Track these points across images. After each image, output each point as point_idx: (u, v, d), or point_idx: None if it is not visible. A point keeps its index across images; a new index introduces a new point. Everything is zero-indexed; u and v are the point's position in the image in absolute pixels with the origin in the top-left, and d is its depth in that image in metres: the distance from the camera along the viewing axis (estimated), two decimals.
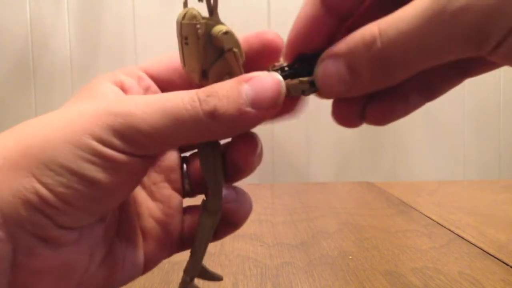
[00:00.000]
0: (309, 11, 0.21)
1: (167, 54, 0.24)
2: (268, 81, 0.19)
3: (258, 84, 0.19)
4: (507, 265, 0.38)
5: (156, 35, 0.87)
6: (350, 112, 0.21)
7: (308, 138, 0.87)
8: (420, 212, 0.56)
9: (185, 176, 0.25)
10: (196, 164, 0.24)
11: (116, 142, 0.18)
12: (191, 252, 0.23)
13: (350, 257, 0.40)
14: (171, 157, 0.24)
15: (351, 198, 0.66)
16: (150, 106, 0.18)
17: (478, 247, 0.42)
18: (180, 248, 0.24)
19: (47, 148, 0.18)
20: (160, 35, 0.87)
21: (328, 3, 0.20)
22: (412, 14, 0.17)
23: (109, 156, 0.18)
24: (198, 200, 0.24)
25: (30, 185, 0.17)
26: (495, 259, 0.39)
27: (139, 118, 0.18)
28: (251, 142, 0.22)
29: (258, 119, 0.19)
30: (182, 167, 0.25)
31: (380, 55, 0.18)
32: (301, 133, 0.87)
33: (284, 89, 0.20)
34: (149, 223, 0.23)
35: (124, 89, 0.22)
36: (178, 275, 0.37)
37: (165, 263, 0.39)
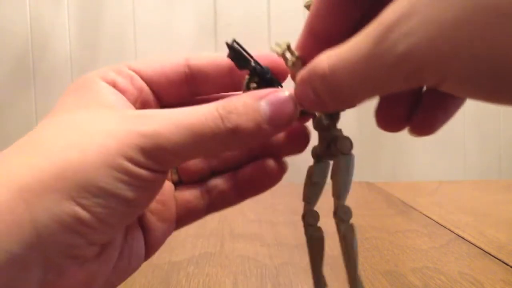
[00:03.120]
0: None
1: (157, 57, 0.24)
2: (282, 98, 0.20)
3: (274, 101, 0.20)
4: (507, 265, 0.38)
5: (156, 35, 0.87)
6: (393, 117, 0.22)
7: None
8: (420, 212, 0.56)
9: (175, 173, 0.25)
10: None
11: (145, 161, 0.19)
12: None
13: None
14: None
15: (351, 198, 0.65)
16: (175, 125, 0.19)
17: (478, 247, 0.42)
18: (176, 227, 0.25)
19: (84, 171, 0.18)
20: (160, 35, 0.87)
21: None
22: (354, 53, 0.17)
23: (139, 175, 0.19)
24: None
25: (69, 209, 0.18)
26: (495, 259, 0.39)
27: (165, 138, 0.19)
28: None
29: (274, 134, 0.21)
30: None
31: (331, 85, 0.19)
32: None
33: (297, 106, 0.21)
34: (145, 213, 0.24)
35: (118, 90, 0.23)
36: (178, 275, 0.37)
37: (165, 263, 0.39)
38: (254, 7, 0.87)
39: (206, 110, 0.20)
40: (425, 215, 0.55)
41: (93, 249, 0.19)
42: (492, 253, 0.40)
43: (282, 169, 0.25)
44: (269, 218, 0.55)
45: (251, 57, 0.22)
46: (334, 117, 0.23)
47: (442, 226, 0.50)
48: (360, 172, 0.88)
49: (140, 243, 0.23)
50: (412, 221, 0.53)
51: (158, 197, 0.23)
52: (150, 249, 0.24)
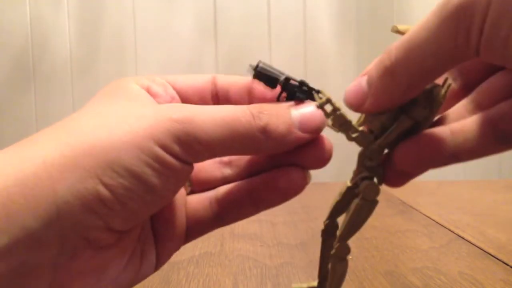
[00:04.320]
0: None
1: (193, 74, 0.25)
2: (311, 108, 0.21)
3: (304, 110, 0.21)
4: (507, 265, 0.38)
5: (156, 35, 0.87)
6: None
7: None
8: (420, 212, 0.56)
9: (188, 182, 0.25)
10: (199, 166, 0.24)
11: (176, 148, 0.19)
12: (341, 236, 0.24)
13: (350, 257, 0.40)
14: None
15: None
16: (208, 115, 0.19)
17: (478, 247, 0.42)
18: (186, 240, 0.25)
19: (112, 149, 0.18)
20: (160, 35, 0.87)
21: None
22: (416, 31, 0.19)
23: (167, 162, 0.19)
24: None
25: (92, 187, 0.17)
26: (495, 259, 0.39)
27: (198, 126, 0.19)
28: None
29: (302, 141, 0.21)
30: None
31: (390, 67, 0.19)
32: None
33: (325, 119, 0.21)
34: (156, 220, 0.23)
35: (151, 94, 0.23)
36: (178, 275, 0.37)
37: (165, 263, 0.39)
38: (254, 7, 0.86)
39: (238, 108, 0.20)
40: (425, 215, 0.55)
41: (109, 235, 0.19)
42: (492, 253, 0.40)
43: (306, 179, 0.23)
44: (269, 218, 0.55)
45: (281, 72, 0.22)
46: (377, 155, 0.23)
47: (442, 226, 0.50)
48: None
49: (152, 249, 0.23)
50: (412, 221, 0.53)
51: (170, 205, 0.23)
52: (160, 258, 0.24)
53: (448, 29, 0.18)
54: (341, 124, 0.22)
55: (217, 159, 0.24)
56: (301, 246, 0.43)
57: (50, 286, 0.18)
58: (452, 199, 0.65)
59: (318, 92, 0.22)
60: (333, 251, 0.24)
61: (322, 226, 0.26)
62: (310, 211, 0.57)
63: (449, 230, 0.48)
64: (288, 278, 0.36)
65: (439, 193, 0.70)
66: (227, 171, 0.24)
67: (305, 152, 0.22)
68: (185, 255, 0.41)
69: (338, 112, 0.21)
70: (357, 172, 0.24)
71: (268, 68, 0.22)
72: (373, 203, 0.23)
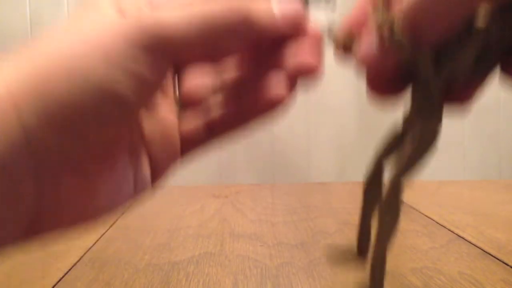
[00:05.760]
0: None
1: None
2: (292, 2, 0.21)
3: (284, 1, 0.21)
4: (507, 265, 0.38)
5: None
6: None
7: (308, 138, 0.87)
8: (420, 212, 0.56)
9: (177, 100, 0.24)
10: (187, 83, 0.24)
11: (148, 58, 0.18)
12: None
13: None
14: None
15: (351, 198, 0.66)
16: (180, 10, 0.18)
17: (478, 247, 0.42)
18: (181, 155, 0.24)
19: (73, 66, 0.17)
20: None
21: None
22: None
23: (139, 75, 0.18)
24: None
25: (55, 106, 0.17)
26: (495, 259, 0.39)
27: (169, 27, 0.18)
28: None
29: (284, 30, 0.21)
30: (174, 88, 0.24)
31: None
32: (301, 133, 0.87)
33: (304, 11, 0.21)
34: (147, 132, 0.23)
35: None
36: (178, 275, 0.37)
37: (165, 263, 0.39)
38: None
39: None
40: (425, 215, 0.55)
41: (90, 162, 0.18)
42: (492, 253, 0.40)
43: (293, 83, 0.22)
44: (269, 218, 0.55)
45: None
46: (437, 93, 0.19)
47: (442, 226, 0.50)
48: (360, 172, 0.88)
49: (145, 164, 0.23)
50: (412, 221, 0.53)
51: (157, 115, 0.23)
52: (155, 174, 0.23)
53: None
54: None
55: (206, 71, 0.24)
56: (301, 246, 0.43)
57: (36, 213, 0.18)
58: (452, 199, 0.65)
59: None
60: (384, 195, 0.20)
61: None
62: (310, 211, 0.57)
63: (449, 230, 0.48)
64: (288, 278, 0.36)
65: (439, 193, 0.70)
66: (217, 84, 0.24)
67: (292, 53, 0.22)
68: (185, 255, 0.41)
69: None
70: (410, 115, 0.20)
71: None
72: (436, 126, 0.19)
